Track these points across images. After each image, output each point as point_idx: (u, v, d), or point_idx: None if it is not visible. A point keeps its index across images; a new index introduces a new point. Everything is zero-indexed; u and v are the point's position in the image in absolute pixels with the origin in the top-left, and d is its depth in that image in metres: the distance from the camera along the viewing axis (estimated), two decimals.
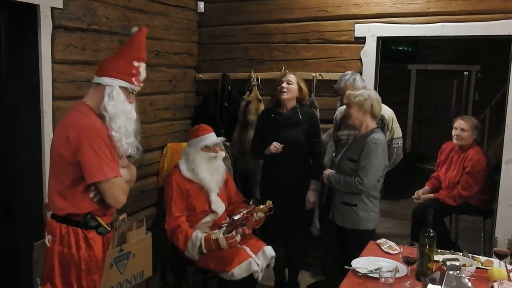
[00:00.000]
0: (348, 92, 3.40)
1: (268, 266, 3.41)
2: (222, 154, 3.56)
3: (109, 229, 2.42)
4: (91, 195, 2.28)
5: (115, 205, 2.32)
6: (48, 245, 2.30)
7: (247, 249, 3.33)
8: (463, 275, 2.12)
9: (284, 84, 3.62)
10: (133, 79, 2.34)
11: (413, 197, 4.54)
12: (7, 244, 3.14)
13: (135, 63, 2.34)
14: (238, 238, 3.27)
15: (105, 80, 2.29)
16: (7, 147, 3.07)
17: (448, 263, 2.17)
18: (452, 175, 4.28)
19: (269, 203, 3.35)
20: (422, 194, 4.49)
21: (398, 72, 9.03)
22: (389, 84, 6.19)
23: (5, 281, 3.13)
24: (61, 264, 2.28)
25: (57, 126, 2.38)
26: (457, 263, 2.18)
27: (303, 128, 3.67)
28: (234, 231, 3.25)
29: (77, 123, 2.22)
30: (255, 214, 3.30)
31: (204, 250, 3.27)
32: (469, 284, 2.09)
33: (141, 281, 3.26)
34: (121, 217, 3.16)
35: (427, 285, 1.99)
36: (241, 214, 3.23)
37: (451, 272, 2.09)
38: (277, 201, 3.43)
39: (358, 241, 3.13)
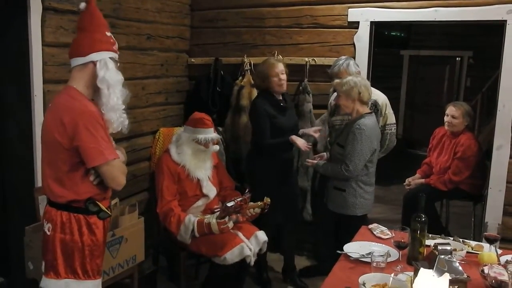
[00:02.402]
0: (335, 81, 3.39)
1: (260, 250, 3.42)
2: (216, 148, 3.53)
3: (110, 213, 2.42)
4: (91, 178, 2.26)
5: (116, 187, 2.30)
6: (48, 233, 2.28)
7: (240, 233, 3.34)
8: (454, 260, 2.14)
9: (282, 76, 3.57)
10: (114, 47, 2.33)
11: (404, 183, 4.57)
12: None
13: (107, 33, 2.32)
14: (230, 224, 3.28)
15: (93, 56, 2.24)
16: None
17: (439, 247, 2.19)
18: (443, 160, 4.30)
19: (266, 200, 3.36)
20: (412, 180, 4.52)
21: (391, 58, 9.03)
22: (381, 70, 6.20)
23: None
24: (64, 252, 2.27)
25: (47, 112, 2.33)
26: (448, 248, 2.20)
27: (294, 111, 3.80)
28: (227, 217, 3.25)
29: (70, 107, 2.18)
30: (251, 209, 3.33)
31: (197, 234, 3.28)
32: (460, 268, 2.11)
33: (134, 265, 3.27)
34: (113, 202, 3.14)
35: (418, 270, 2.00)
36: (235, 201, 3.23)
37: (442, 256, 2.11)
38: (273, 185, 3.44)
39: (347, 226, 3.14)
